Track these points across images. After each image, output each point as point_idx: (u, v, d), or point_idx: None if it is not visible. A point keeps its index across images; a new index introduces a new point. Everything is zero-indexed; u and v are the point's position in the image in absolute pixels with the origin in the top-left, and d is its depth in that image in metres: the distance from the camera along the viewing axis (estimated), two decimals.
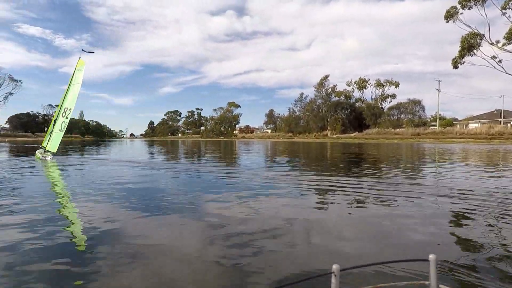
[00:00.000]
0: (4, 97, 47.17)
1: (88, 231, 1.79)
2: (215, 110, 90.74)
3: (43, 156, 6.63)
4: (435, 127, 45.03)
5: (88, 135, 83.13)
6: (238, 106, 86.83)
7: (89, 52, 7.69)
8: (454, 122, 48.86)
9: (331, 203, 2.87)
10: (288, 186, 3.41)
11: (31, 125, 64.39)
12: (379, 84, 57.72)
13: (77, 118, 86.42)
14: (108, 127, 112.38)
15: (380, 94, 58.34)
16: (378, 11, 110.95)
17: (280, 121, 75.73)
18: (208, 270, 1.32)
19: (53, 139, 6.61)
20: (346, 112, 59.08)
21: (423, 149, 14.22)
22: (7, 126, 62.63)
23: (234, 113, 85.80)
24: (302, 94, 68.44)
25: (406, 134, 41.75)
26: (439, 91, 47.96)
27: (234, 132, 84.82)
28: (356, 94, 61.23)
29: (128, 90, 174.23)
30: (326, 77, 62.42)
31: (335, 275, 0.55)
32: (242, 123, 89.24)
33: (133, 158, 6.72)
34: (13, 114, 65.06)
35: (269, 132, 78.26)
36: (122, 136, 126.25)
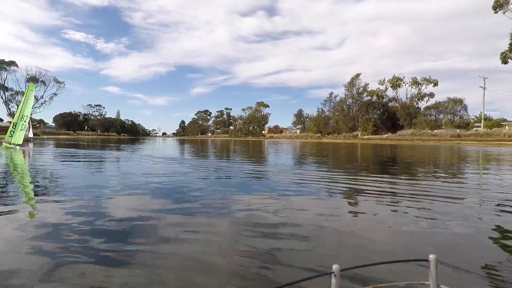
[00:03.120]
0: (49, 98, 50.68)
1: (125, 222, 1.86)
2: (243, 109, 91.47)
3: (13, 147, 7.83)
4: (479, 129, 41.51)
5: (123, 134, 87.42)
6: (266, 106, 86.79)
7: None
8: (502, 123, 44.69)
9: (362, 205, 2.58)
10: (316, 187, 3.15)
11: (73, 124, 69.40)
12: (415, 83, 54.35)
13: (114, 117, 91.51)
14: (142, 126, 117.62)
15: (416, 93, 54.98)
16: (414, 7, 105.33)
17: (309, 121, 74.48)
18: (237, 267, 1.26)
19: (17, 136, 7.88)
20: (378, 112, 56.43)
21: (465, 152, 13.08)
22: (53, 124, 68.19)
23: (262, 113, 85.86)
24: (331, 93, 66.74)
25: (444, 136, 39.05)
26: (484, 89, 44.24)
27: (263, 132, 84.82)
28: (390, 93, 58.27)
29: (162, 90, 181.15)
30: (358, 75, 60.25)
31: (335, 275, 0.55)
32: (271, 123, 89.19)
33: (166, 155, 6.79)
34: (58, 114, 70.83)
35: (298, 132, 77.31)
36: (155, 134, 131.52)
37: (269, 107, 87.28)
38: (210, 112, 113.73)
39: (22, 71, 47.46)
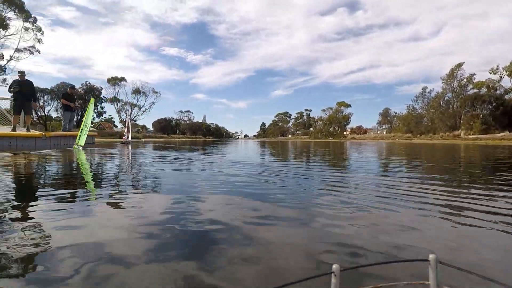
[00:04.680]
0: (149, 106, 57.92)
1: (208, 221, 1.91)
2: (324, 110, 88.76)
3: (79, 148, 9.34)
4: None
5: (209, 136, 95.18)
6: (348, 105, 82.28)
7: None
8: None
9: (471, 226, 1.96)
10: (406, 199, 2.61)
11: (167, 128, 78.92)
12: None
13: (201, 121, 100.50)
14: (226, 129, 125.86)
15: None
16: None
17: (397, 120, 67.48)
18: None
19: (82, 139, 9.72)
20: (489, 107, 46.58)
21: None
22: (152, 129, 79.32)
23: (344, 113, 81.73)
24: (425, 88, 58.80)
25: None
26: None
27: (344, 133, 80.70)
28: (506, 83, 47.63)
29: (244, 94, 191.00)
30: (459, 65, 51.40)
31: (335, 275, 0.56)
32: (353, 124, 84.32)
33: (247, 158, 6.98)
34: (155, 119, 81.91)
35: (384, 132, 70.90)
36: (237, 137, 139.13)
37: (350, 106, 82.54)
38: (290, 114, 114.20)
39: (129, 84, 56.24)
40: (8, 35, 27.38)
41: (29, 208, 2.15)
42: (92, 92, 46.58)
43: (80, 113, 42.52)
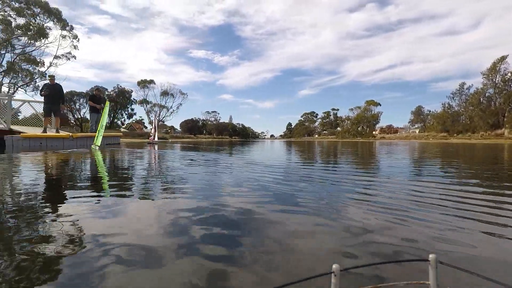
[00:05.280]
0: (176, 107, 59.42)
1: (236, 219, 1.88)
2: (351, 109, 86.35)
3: (96, 148, 9.56)
4: None
5: (235, 136, 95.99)
6: (377, 104, 79.29)
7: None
8: None
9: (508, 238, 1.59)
10: (443, 206, 2.27)
11: (194, 128, 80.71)
12: None
13: (227, 122, 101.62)
14: (252, 129, 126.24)
15: None
16: None
17: (431, 118, 63.87)
18: None
19: (99, 140, 10.12)
20: None
21: None
22: (179, 129, 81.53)
23: (373, 112, 78.90)
24: (462, 84, 55.00)
25: None
26: None
27: (374, 132, 77.82)
28: None
29: (270, 95, 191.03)
30: (503, 58, 47.48)
31: (335, 275, 0.56)
32: (383, 123, 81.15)
33: (273, 159, 6.83)
34: (183, 120, 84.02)
35: (417, 132, 67.41)
36: (263, 137, 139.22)
37: (380, 105, 79.48)
38: (317, 114, 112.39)
39: (158, 87, 58.23)
40: (47, 43, 29.22)
41: (61, 204, 2.23)
42: (123, 94, 48.62)
43: (112, 114, 44.58)
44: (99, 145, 10.00)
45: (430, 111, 67.91)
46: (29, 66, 28.97)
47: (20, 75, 28.68)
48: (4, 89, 27.44)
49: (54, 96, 10.07)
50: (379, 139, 58.80)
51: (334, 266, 0.56)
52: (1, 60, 27.17)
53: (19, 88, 28.93)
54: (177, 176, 3.74)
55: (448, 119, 54.37)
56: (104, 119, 10.64)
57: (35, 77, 29.34)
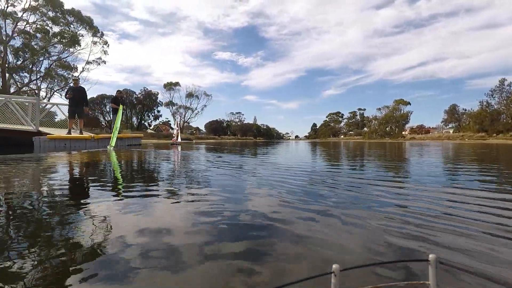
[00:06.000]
0: (201, 108, 60.49)
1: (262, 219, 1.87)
2: (379, 109, 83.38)
3: (111, 148, 9.79)
4: None
5: (259, 137, 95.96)
6: (407, 103, 75.91)
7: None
8: None
9: None
10: (487, 219, 1.91)
11: (218, 129, 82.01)
12: None
13: (251, 122, 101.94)
14: (276, 130, 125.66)
15: None
16: None
17: (467, 117, 60.02)
18: None
19: (113, 141, 10.34)
20: None
21: None
22: (204, 130, 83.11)
23: (402, 111, 75.62)
24: (503, 80, 51.09)
25: None
26: None
27: (403, 132, 74.54)
28: None
29: (294, 95, 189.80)
30: None
31: (335, 275, 0.56)
32: (413, 123, 77.58)
33: (296, 161, 6.63)
34: (208, 121, 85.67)
35: (451, 132, 63.68)
36: (288, 138, 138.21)
37: (410, 104, 76.05)
38: (342, 114, 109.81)
39: (183, 89, 59.30)
40: (80, 49, 30.78)
41: (80, 204, 2.24)
42: (149, 97, 50.24)
43: (139, 117, 46.16)
44: (113, 145, 10.26)
45: (465, 110, 63.92)
46: (64, 71, 30.68)
47: (56, 80, 30.47)
48: (42, 93, 29.26)
49: (78, 99, 10.42)
50: (409, 140, 56.12)
51: (334, 266, 0.56)
52: (40, 66, 28.99)
53: (55, 93, 30.73)
54: (197, 178, 3.65)
55: (487, 118, 50.72)
56: (118, 121, 10.92)
57: (69, 82, 31.00)
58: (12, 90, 26.06)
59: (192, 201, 2.34)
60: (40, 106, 11.80)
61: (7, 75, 25.39)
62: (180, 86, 58.52)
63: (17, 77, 27.42)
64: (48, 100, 25.35)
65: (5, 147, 9.72)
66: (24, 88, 27.64)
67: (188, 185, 3.13)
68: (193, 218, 1.84)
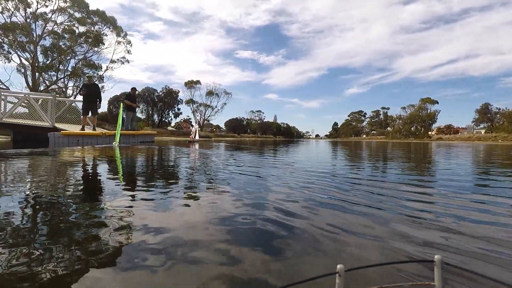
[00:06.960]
0: (221, 106, 60.90)
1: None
2: (404, 108, 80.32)
3: (116, 144, 9.93)
4: None
5: (279, 136, 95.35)
6: (435, 102, 72.56)
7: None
8: None
9: None
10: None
11: (238, 127, 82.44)
12: None
13: (271, 121, 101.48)
14: (297, 129, 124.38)
15: None
16: None
17: (501, 117, 56.45)
18: None
19: (118, 138, 10.52)
20: None
21: None
22: (224, 128, 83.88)
23: (429, 110, 72.35)
24: None
25: None
26: None
27: (430, 132, 71.33)
28: None
29: (316, 94, 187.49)
30: None
31: (340, 275, 0.56)
32: (440, 122, 74.16)
33: (316, 162, 6.42)
34: (228, 119, 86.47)
35: (482, 132, 60.17)
36: (308, 136, 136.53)
37: (437, 103, 72.65)
38: (365, 113, 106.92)
39: (204, 87, 60.00)
40: (104, 49, 31.76)
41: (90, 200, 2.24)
42: (170, 95, 51.14)
43: (160, 114, 47.06)
44: (118, 141, 10.37)
45: (499, 109, 60.19)
46: (89, 70, 31.79)
47: (82, 79, 31.63)
48: (69, 91, 30.49)
49: (92, 96, 10.58)
50: (436, 140, 53.53)
51: (338, 266, 0.55)
52: (67, 65, 30.20)
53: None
54: (197, 178, 3.49)
55: None
56: (120, 119, 11.04)
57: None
58: (41, 88, 27.32)
59: (192, 200, 2.24)
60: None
61: (36, 74, 26.62)
62: (200, 84, 59.25)
63: (46, 75, 28.71)
64: (74, 98, 26.36)
65: (23, 142, 10.08)
66: (52, 86, 28.89)
67: (181, 185, 2.99)
68: (207, 216, 1.81)
